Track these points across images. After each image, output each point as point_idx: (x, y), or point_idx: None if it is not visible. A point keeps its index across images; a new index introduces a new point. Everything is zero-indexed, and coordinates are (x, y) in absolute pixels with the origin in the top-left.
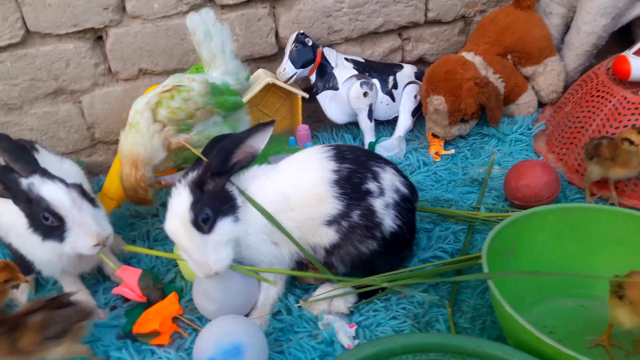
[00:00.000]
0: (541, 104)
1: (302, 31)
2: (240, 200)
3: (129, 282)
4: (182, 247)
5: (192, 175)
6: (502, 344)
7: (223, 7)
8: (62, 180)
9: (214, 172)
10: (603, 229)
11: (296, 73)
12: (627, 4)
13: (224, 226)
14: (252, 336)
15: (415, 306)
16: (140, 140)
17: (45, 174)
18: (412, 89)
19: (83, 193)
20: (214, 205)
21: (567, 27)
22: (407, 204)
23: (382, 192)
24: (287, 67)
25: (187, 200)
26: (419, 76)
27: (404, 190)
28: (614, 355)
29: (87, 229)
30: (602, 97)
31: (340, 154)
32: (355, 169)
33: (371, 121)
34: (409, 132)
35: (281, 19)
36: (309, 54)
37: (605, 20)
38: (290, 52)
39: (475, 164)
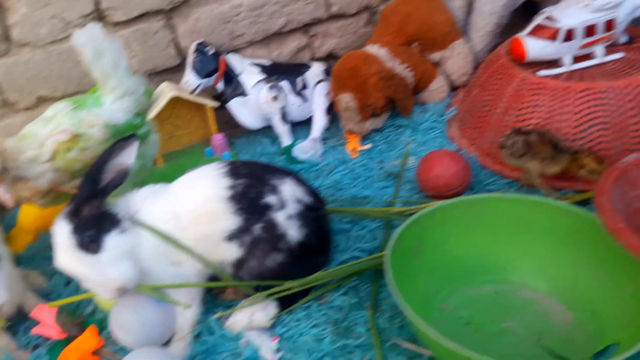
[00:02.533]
0: (454, 88)
1: (201, 41)
2: (123, 214)
3: (45, 320)
4: (78, 276)
5: (67, 207)
6: None
7: (116, 24)
8: None
9: (86, 198)
10: (506, 217)
11: (201, 83)
12: None
13: (112, 240)
14: None
15: (335, 311)
16: (25, 147)
17: None
18: (323, 87)
19: None
20: (95, 225)
21: (470, 8)
22: (312, 213)
23: (282, 205)
24: (190, 79)
25: (67, 229)
26: (329, 73)
27: (306, 199)
28: None
29: None
30: (504, 80)
31: (235, 170)
32: (252, 183)
33: (285, 124)
34: (326, 130)
35: (179, 29)
36: (211, 63)
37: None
38: (192, 63)
39: (391, 156)
